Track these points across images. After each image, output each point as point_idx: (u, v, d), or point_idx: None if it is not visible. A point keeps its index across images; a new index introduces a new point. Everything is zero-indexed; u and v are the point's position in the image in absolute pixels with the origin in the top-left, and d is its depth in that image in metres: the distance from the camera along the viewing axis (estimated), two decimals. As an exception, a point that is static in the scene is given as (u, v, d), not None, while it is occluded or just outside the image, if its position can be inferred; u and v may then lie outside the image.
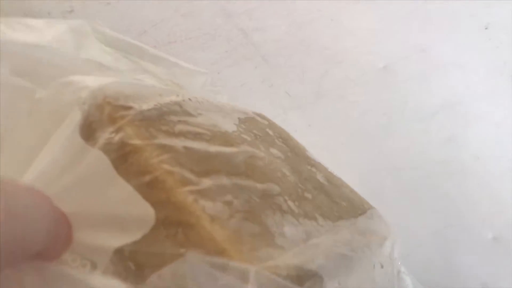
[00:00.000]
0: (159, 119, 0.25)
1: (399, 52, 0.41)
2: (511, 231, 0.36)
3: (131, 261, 0.19)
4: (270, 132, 0.33)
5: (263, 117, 0.35)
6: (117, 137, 0.22)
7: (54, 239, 0.16)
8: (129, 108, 0.24)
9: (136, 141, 0.22)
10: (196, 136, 0.25)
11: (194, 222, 0.20)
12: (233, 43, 0.42)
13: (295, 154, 0.32)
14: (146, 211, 0.20)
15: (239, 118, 0.31)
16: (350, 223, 0.27)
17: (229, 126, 0.28)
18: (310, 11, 0.43)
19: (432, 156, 0.40)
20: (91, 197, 0.20)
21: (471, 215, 0.37)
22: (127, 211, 0.20)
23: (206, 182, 0.22)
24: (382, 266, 0.26)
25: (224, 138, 0.26)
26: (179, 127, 0.25)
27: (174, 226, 0.20)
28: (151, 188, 0.21)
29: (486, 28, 0.40)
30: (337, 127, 0.38)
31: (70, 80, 0.25)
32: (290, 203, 0.25)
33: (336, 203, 0.28)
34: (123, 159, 0.22)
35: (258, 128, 0.32)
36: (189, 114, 0.27)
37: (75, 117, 0.22)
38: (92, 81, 0.25)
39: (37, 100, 0.23)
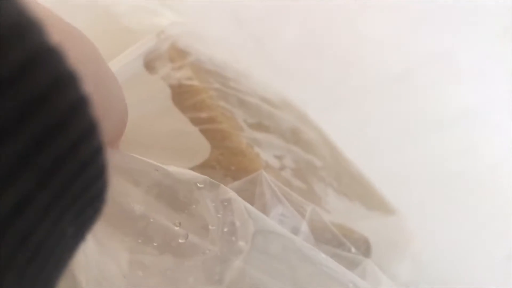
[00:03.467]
0: (213, 70, 0.25)
1: (416, 59, 0.42)
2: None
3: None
4: (306, 119, 0.33)
5: (298, 105, 0.35)
6: (177, 74, 0.23)
7: (119, 133, 0.16)
8: (189, 53, 0.25)
9: (195, 82, 0.23)
10: (248, 94, 0.25)
11: (249, 164, 0.20)
12: (245, 51, 0.42)
13: (329, 144, 0.32)
14: (200, 144, 0.20)
15: (278, 97, 0.32)
16: (383, 217, 0.27)
17: (273, 98, 0.29)
18: (325, 18, 0.44)
19: (449, 167, 0.40)
20: (146, 119, 0.20)
21: (487, 230, 0.37)
22: (181, 140, 0.20)
23: (259, 135, 0.23)
24: (411, 263, 0.26)
25: (272, 105, 0.27)
26: (231, 83, 0.26)
27: (227, 164, 0.20)
28: (206, 125, 0.21)
29: (505, 34, 0.41)
30: (352, 136, 0.38)
31: (150, 7, 0.25)
32: (329, 178, 0.25)
33: (369, 196, 0.29)
34: (181, 93, 0.22)
35: (295, 110, 0.32)
36: (238, 76, 0.27)
37: (146, 44, 0.22)
38: (168, 13, 0.26)
39: (114, 16, 0.23)
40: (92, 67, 0.12)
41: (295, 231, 0.17)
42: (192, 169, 0.20)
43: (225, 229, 0.12)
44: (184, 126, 0.21)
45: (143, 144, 0.20)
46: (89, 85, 0.12)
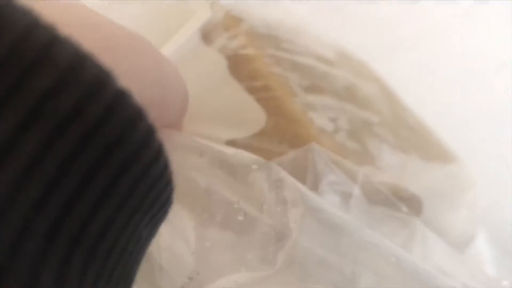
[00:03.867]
0: (267, 34, 0.26)
1: (436, 21, 0.40)
2: None
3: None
4: (365, 71, 0.33)
5: (357, 56, 0.35)
6: (233, 44, 0.24)
7: (182, 113, 0.18)
8: (243, 20, 0.25)
9: (250, 50, 0.24)
10: (301, 55, 0.26)
11: (302, 130, 0.21)
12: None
13: (388, 95, 0.33)
14: (257, 113, 0.22)
15: (336, 51, 0.32)
16: (440, 167, 0.28)
17: (328, 54, 0.29)
18: None
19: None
20: (206, 92, 0.22)
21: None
22: (239, 110, 0.22)
23: (313, 98, 0.23)
24: (469, 212, 0.27)
25: (327, 62, 0.27)
26: (285, 45, 0.26)
27: (283, 129, 0.22)
28: (262, 93, 0.23)
29: None
30: (413, 79, 0.37)
31: None
32: (387, 134, 0.26)
33: (427, 145, 0.29)
34: (237, 63, 0.24)
35: (354, 64, 0.33)
36: (292, 37, 0.28)
37: (202, 17, 0.23)
38: None
39: None
40: (153, 71, 0.14)
41: (348, 196, 0.19)
42: (250, 137, 0.21)
43: (278, 209, 0.14)
44: (242, 96, 0.22)
45: (204, 116, 0.22)
46: (151, 90, 0.14)
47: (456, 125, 0.36)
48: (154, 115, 0.14)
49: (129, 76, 0.13)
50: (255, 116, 0.22)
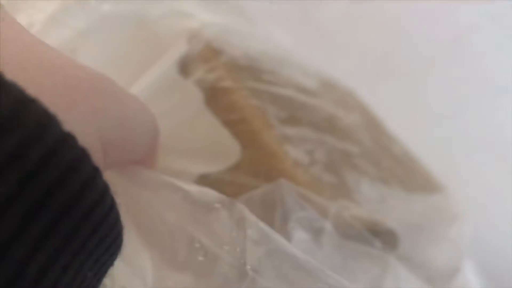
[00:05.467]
0: (247, 66, 0.26)
1: (468, 24, 0.40)
2: None
3: (214, 189, 0.21)
4: (349, 100, 0.34)
5: (343, 85, 0.35)
6: (210, 76, 0.24)
7: (151, 149, 0.18)
8: (223, 52, 0.26)
9: (228, 82, 0.24)
10: (281, 86, 0.26)
11: (277, 163, 0.21)
12: (292, 22, 0.43)
13: (373, 124, 0.33)
14: (232, 146, 0.22)
15: (319, 80, 0.32)
16: (424, 198, 0.28)
17: (310, 84, 0.30)
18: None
19: (505, 135, 0.39)
20: (180, 126, 0.22)
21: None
22: (214, 143, 0.22)
23: (290, 130, 0.24)
24: (452, 246, 0.27)
25: (308, 93, 0.28)
26: (265, 76, 0.27)
27: (258, 162, 0.22)
28: (239, 126, 0.23)
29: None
30: (403, 106, 0.38)
31: (181, 10, 0.27)
32: (367, 166, 0.26)
33: (411, 175, 0.29)
34: (215, 95, 0.24)
35: (338, 93, 0.33)
36: (274, 67, 0.28)
37: (178, 51, 0.23)
38: (200, 15, 0.27)
39: (145, 22, 0.24)
40: (114, 111, 0.14)
41: (319, 231, 0.19)
42: (225, 171, 0.21)
43: (238, 249, 0.14)
44: (217, 129, 0.23)
45: (179, 150, 0.22)
46: (111, 129, 0.14)
47: (444, 155, 0.36)
48: (115, 153, 0.15)
49: (88, 116, 0.13)
50: (230, 150, 0.22)
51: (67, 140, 0.10)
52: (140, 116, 0.16)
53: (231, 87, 0.24)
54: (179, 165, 0.21)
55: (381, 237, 0.21)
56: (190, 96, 0.23)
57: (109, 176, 0.13)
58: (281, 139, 0.23)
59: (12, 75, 0.10)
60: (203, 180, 0.21)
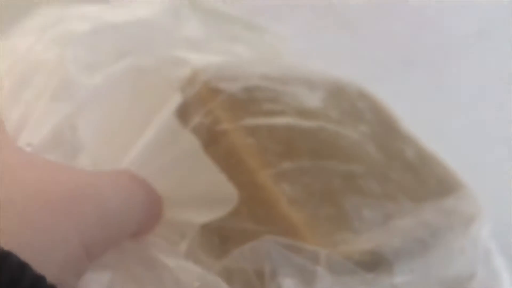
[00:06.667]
0: (247, 99, 0.27)
1: (494, 16, 0.39)
2: None
3: (216, 236, 0.23)
4: (360, 105, 0.34)
5: (355, 86, 0.36)
6: (207, 120, 0.26)
7: (146, 220, 0.20)
8: (220, 91, 0.27)
9: (224, 125, 0.25)
10: (281, 114, 0.27)
11: (273, 203, 0.23)
12: (315, 12, 0.43)
13: (386, 128, 0.33)
14: (230, 192, 0.23)
15: (326, 90, 0.33)
16: (435, 204, 0.28)
17: (314, 101, 0.30)
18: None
19: None
20: (182, 177, 0.24)
21: None
22: (213, 191, 0.23)
23: (287, 164, 0.25)
24: (463, 252, 0.27)
25: (308, 116, 0.28)
26: (265, 106, 0.28)
27: (256, 206, 0.23)
28: (236, 169, 0.24)
29: None
30: (427, 97, 0.37)
31: (175, 56, 0.28)
32: (372, 183, 0.27)
33: (423, 182, 0.29)
34: (213, 140, 0.25)
35: (347, 101, 0.33)
36: (276, 91, 0.29)
37: (176, 101, 0.25)
38: (194, 60, 0.28)
39: (141, 72, 0.26)
40: (93, 215, 0.16)
41: (311, 277, 0.20)
42: (225, 218, 0.23)
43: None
44: (216, 175, 0.24)
45: (183, 200, 0.24)
46: (92, 231, 0.16)
47: (464, 147, 0.36)
48: (99, 249, 0.17)
49: (69, 227, 0.15)
50: (228, 194, 0.23)
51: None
52: (125, 209, 0.17)
53: (227, 129, 0.25)
54: (183, 217, 0.23)
55: (378, 267, 0.22)
56: (190, 145, 0.25)
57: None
58: (277, 177, 0.24)
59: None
60: (206, 229, 0.23)
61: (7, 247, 0.12)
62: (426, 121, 0.35)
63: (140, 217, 0.19)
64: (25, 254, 0.12)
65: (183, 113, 0.26)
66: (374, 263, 0.22)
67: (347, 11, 0.44)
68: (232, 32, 0.38)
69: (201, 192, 0.23)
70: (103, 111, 0.23)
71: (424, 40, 0.42)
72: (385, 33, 0.43)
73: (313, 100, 0.31)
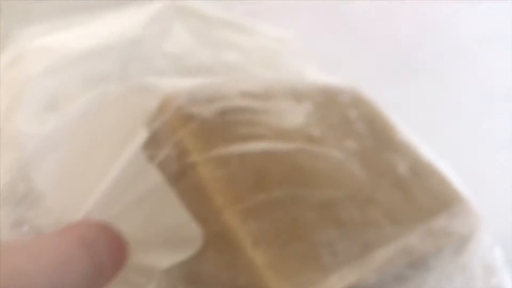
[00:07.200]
0: (221, 123, 0.26)
1: (500, 20, 0.36)
2: None
3: (180, 280, 0.22)
4: (352, 114, 0.32)
5: (348, 94, 0.34)
6: (176, 152, 0.25)
7: (109, 268, 0.20)
8: (192, 117, 0.26)
9: (193, 157, 0.24)
10: (257, 138, 0.26)
11: (238, 245, 0.22)
12: (319, 15, 0.41)
13: (378, 138, 0.31)
14: (195, 232, 0.23)
15: (314, 102, 0.31)
16: (424, 225, 0.27)
17: (298, 117, 0.29)
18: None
19: None
20: (147, 217, 0.23)
21: None
22: (178, 231, 0.23)
23: (257, 198, 0.24)
24: (455, 273, 0.26)
25: (286, 137, 0.27)
26: (240, 130, 0.26)
27: (221, 248, 0.23)
28: (202, 207, 0.24)
29: None
30: (430, 103, 0.35)
31: (146, 84, 0.27)
32: (352, 210, 0.25)
33: (413, 200, 0.28)
34: (181, 175, 0.24)
35: (336, 111, 0.32)
36: (255, 110, 0.28)
37: (142, 136, 0.24)
38: (167, 85, 0.27)
39: (107, 105, 0.25)
40: None
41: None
42: (187, 262, 0.23)
43: None
44: (183, 214, 0.24)
45: (148, 242, 0.23)
46: None
47: (469, 154, 0.34)
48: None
49: None
50: (193, 235, 0.23)
51: None
52: (60, 277, 0.17)
53: (196, 161, 0.24)
54: (147, 260, 0.23)
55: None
56: (156, 182, 0.24)
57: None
58: (245, 214, 0.23)
59: None
60: (169, 273, 0.23)
61: None
62: (429, 130, 0.34)
63: (84, 280, 0.18)
64: None
65: (151, 145, 0.25)
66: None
67: (351, 14, 0.42)
68: (223, 37, 0.37)
69: (166, 233, 0.23)
70: (61, 155, 0.22)
71: (428, 45, 0.40)
72: (389, 37, 0.41)
73: (297, 115, 0.29)
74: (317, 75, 0.39)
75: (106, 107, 0.25)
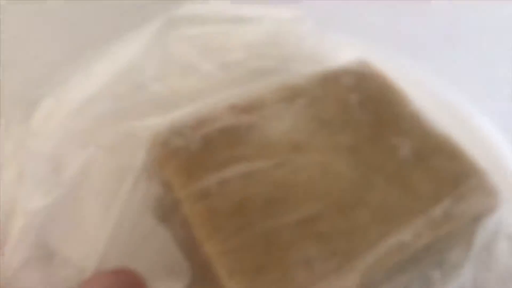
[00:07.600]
0: (204, 150, 0.28)
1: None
2: None
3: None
4: (352, 99, 0.31)
5: (355, 70, 0.33)
6: (164, 191, 0.27)
7: None
8: (175, 151, 0.28)
9: (178, 193, 0.27)
10: (238, 161, 0.28)
11: (216, 279, 0.24)
12: None
13: (380, 123, 0.30)
14: (184, 269, 0.26)
15: (310, 97, 0.31)
16: (421, 217, 0.26)
17: (285, 124, 0.29)
18: None
19: None
20: (148, 254, 0.27)
21: None
22: (171, 266, 0.26)
23: (235, 225, 0.25)
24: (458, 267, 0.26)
25: (269, 151, 0.28)
26: (222, 155, 0.28)
27: (205, 279, 0.25)
28: (187, 243, 0.26)
29: None
30: (468, 76, 0.33)
31: (133, 127, 0.30)
32: (334, 219, 0.26)
33: (410, 192, 0.27)
34: (171, 211, 0.27)
35: (334, 101, 0.31)
36: (239, 128, 0.29)
37: (130, 182, 0.27)
38: (155, 122, 0.30)
39: (98, 151, 0.29)
40: None
41: None
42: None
43: None
44: (171, 247, 0.27)
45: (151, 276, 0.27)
46: None
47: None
48: None
49: None
50: (182, 272, 0.26)
51: None
52: None
53: (180, 197, 0.27)
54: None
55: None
56: (151, 222, 0.27)
57: None
58: (222, 244, 0.25)
59: None
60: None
61: None
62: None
63: None
64: None
65: (144, 186, 0.28)
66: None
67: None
68: (227, 37, 0.37)
69: (163, 268, 0.26)
70: (67, 213, 0.27)
71: (431, 32, 0.37)
72: (425, 12, 0.38)
73: (285, 121, 0.30)
74: (337, 44, 0.37)
75: (99, 164, 0.28)
